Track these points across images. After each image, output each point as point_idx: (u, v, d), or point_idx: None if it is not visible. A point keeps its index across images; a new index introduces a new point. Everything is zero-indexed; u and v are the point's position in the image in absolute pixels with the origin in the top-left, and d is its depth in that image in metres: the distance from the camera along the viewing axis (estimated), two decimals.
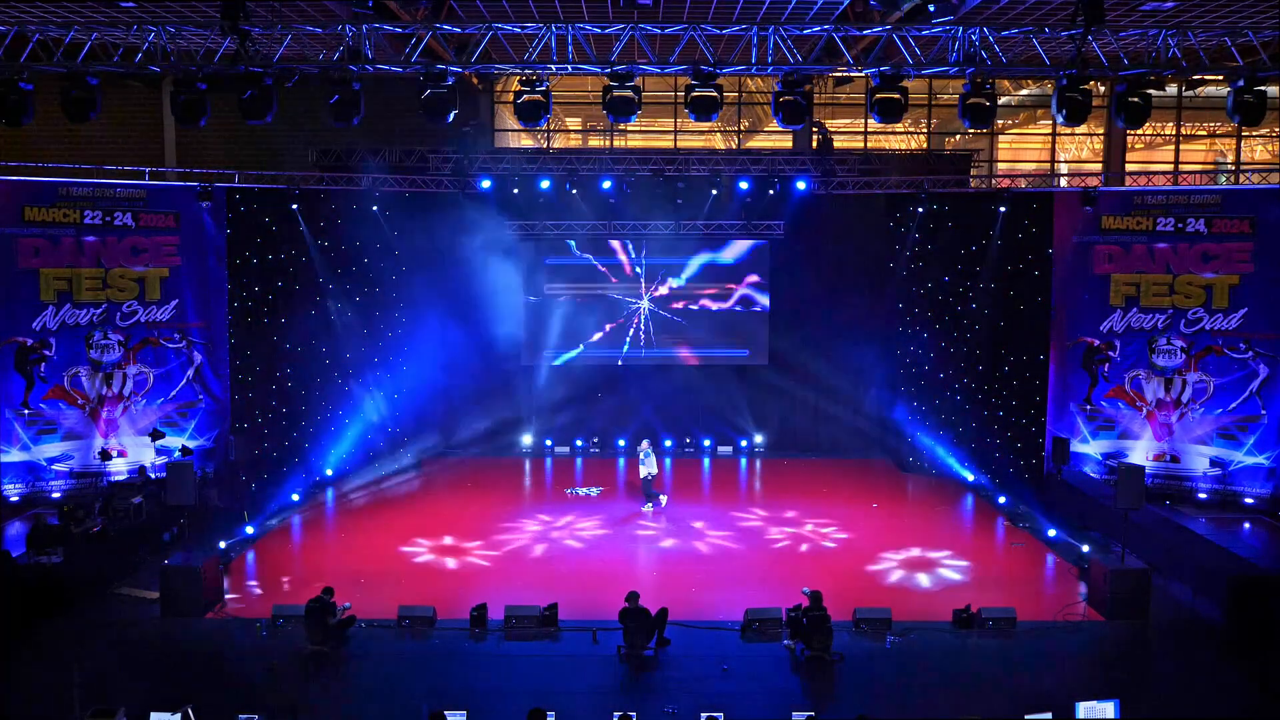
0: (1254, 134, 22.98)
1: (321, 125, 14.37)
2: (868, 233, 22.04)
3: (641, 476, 18.69)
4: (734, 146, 24.11)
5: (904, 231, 21.38)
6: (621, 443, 23.19)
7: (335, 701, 11.49)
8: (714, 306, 22.87)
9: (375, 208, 20.70)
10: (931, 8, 13.81)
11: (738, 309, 22.90)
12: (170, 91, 14.01)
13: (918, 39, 13.09)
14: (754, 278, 22.78)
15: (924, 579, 15.44)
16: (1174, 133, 23.04)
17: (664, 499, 18.88)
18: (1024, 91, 23.91)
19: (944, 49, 12.94)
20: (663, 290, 22.90)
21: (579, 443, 23.24)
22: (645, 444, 19.29)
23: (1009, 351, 20.70)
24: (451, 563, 16.13)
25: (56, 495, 18.67)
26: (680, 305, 22.92)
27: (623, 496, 19.76)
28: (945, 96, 22.78)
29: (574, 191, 20.99)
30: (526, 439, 23.41)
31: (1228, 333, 19.15)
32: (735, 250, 22.57)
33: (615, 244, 22.63)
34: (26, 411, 18.83)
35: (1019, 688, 11.73)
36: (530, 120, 12.68)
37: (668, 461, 22.75)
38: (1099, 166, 22.97)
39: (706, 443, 23.32)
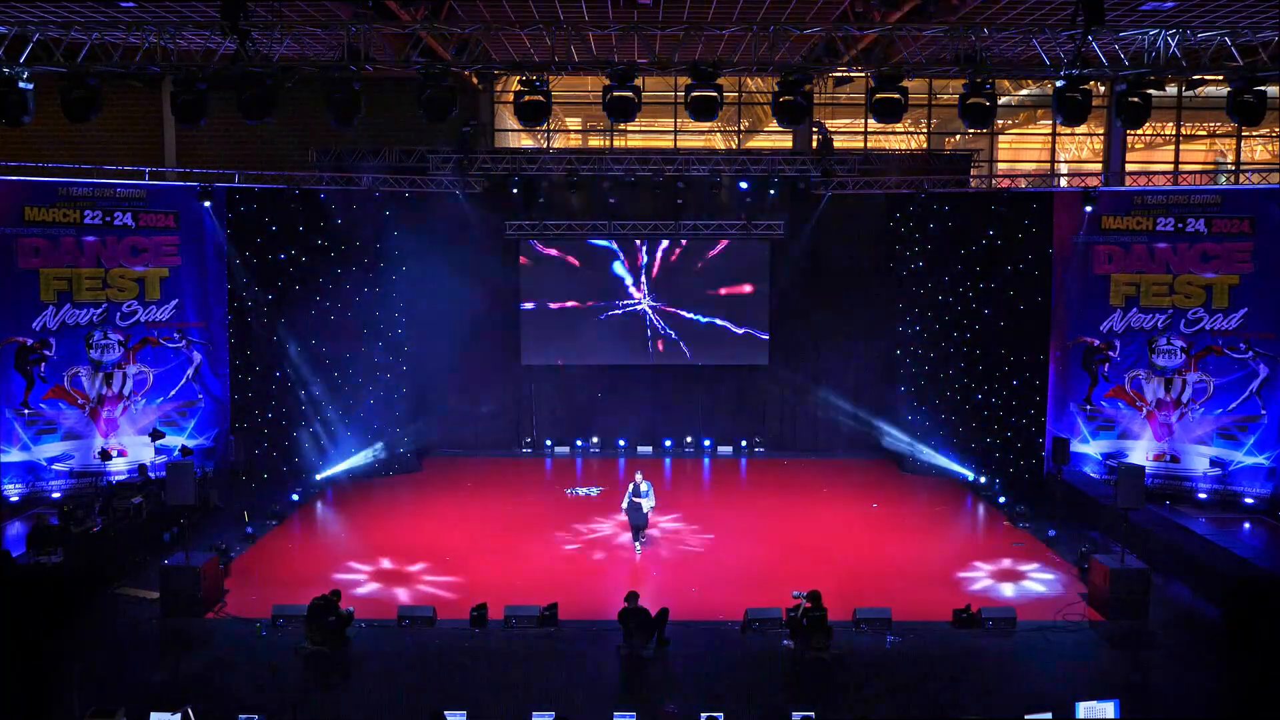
0: (1254, 134, 22.97)
1: (321, 125, 14.37)
2: (868, 233, 22.05)
3: (645, 511, 16.47)
4: (734, 146, 24.10)
5: (904, 231, 21.39)
6: (621, 443, 23.20)
7: (335, 701, 11.49)
8: (714, 306, 22.85)
9: (375, 208, 20.71)
10: (931, 8, 13.82)
11: (737, 309, 22.88)
12: (170, 91, 14.02)
13: (918, 39, 13.09)
14: (754, 278, 22.76)
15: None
16: (1174, 133, 23.03)
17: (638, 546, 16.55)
18: (1024, 91, 23.90)
19: (944, 49, 12.94)
20: (662, 290, 22.89)
21: (579, 443, 23.24)
22: (639, 476, 16.58)
23: (1009, 351, 20.71)
24: (451, 563, 16.12)
25: (56, 495, 18.68)
26: (680, 305, 22.91)
27: (623, 496, 19.73)
28: (945, 96, 22.76)
29: (574, 191, 20.99)
30: (526, 439, 23.41)
31: (1228, 333, 19.15)
32: (735, 250, 22.54)
33: (615, 244, 22.62)
34: (26, 411, 18.83)
35: (1019, 688, 11.74)
36: (530, 120, 12.67)
37: (667, 462, 22.82)
38: (1099, 166, 22.96)
39: (706, 443, 23.32)
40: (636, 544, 16.42)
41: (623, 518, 16.89)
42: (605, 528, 17.71)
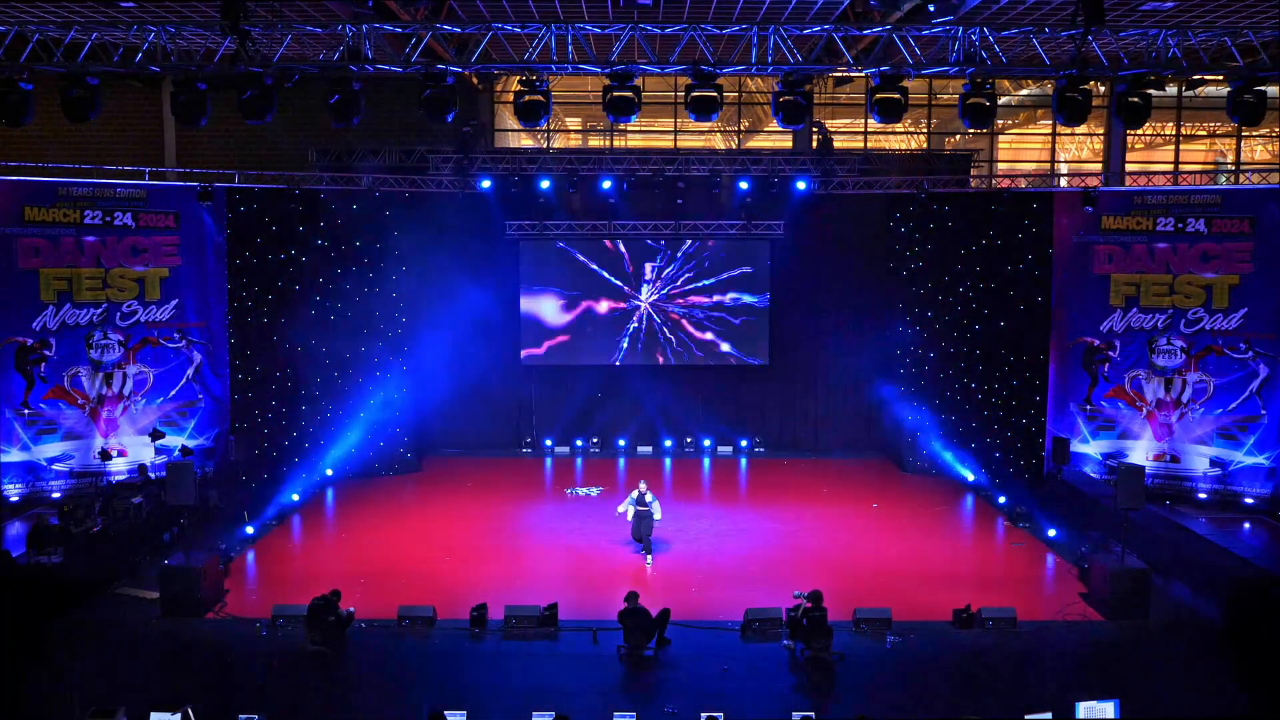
0: (1254, 134, 22.97)
1: (321, 125, 14.36)
2: (868, 233, 22.06)
3: (652, 515, 15.96)
4: (734, 146, 24.11)
5: (904, 231, 21.39)
6: (622, 443, 23.20)
7: (335, 701, 11.49)
8: (713, 307, 22.86)
9: (375, 208, 20.72)
10: (931, 8, 13.82)
11: (737, 309, 22.89)
12: (170, 91, 14.04)
13: (918, 39, 13.08)
14: (753, 277, 22.75)
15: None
16: (1174, 133, 23.04)
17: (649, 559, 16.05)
18: (1024, 91, 23.90)
19: (944, 49, 12.94)
20: (662, 290, 22.89)
21: (579, 443, 23.24)
22: (643, 486, 16.21)
23: (1009, 351, 20.70)
24: (451, 563, 16.12)
25: (56, 495, 18.67)
26: (680, 305, 22.92)
27: (623, 496, 19.74)
28: (945, 96, 22.77)
29: (574, 192, 21.00)
30: (526, 439, 23.41)
31: (1228, 333, 19.15)
32: (735, 250, 22.55)
33: (615, 244, 22.62)
34: (26, 411, 18.83)
35: (1019, 688, 11.75)
36: (530, 120, 12.67)
37: (667, 462, 22.82)
38: (1099, 166, 22.97)
39: (706, 443, 23.31)
40: (647, 557, 15.98)
41: (626, 521, 16.45)
42: (606, 528, 17.68)
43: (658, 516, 16.03)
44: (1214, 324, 19.22)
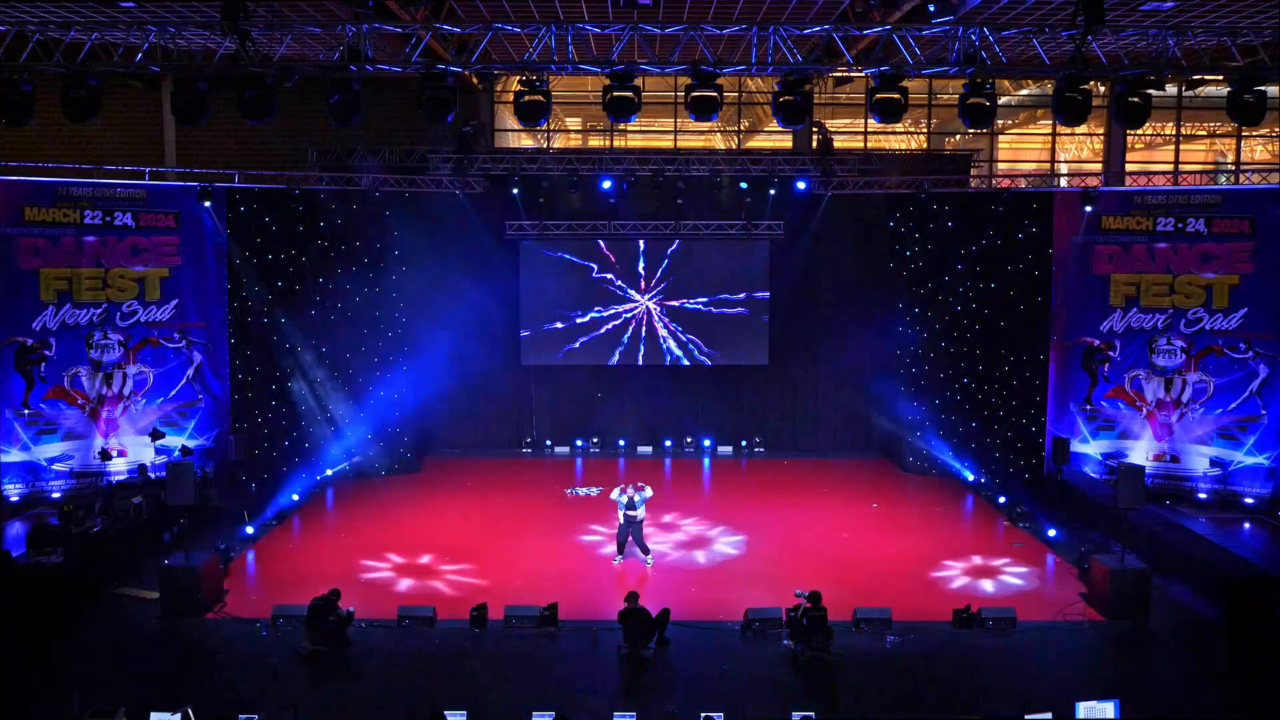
0: (1254, 134, 22.97)
1: (321, 125, 14.38)
2: (868, 233, 22.07)
3: (638, 519, 15.84)
4: (734, 146, 24.11)
5: (904, 231, 21.38)
6: (622, 443, 23.20)
7: (335, 701, 11.49)
8: (713, 307, 22.85)
9: (375, 208, 20.71)
10: (931, 8, 13.84)
11: (737, 309, 22.88)
12: (170, 91, 14.04)
13: (918, 39, 13.09)
14: (754, 278, 22.74)
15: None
16: (1174, 133, 23.03)
17: (649, 559, 15.99)
18: (1024, 91, 23.90)
19: (944, 49, 12.95)
20: (662, 290, 22.88)
21: (579, 443, 23.24)
22: (632, 492, 15.87)
23: (1009, 351, 20.71)
24: (451, 562, 16.12)
25: (56, 495, 18.66)
26: (680, 305, 22.91)
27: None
28: (945, 96, 22.77)
29: (574, 192, 21.00)
30: (527, 439, 23.41)
31: (1228, 333, 19.15)
32: (735, 250, 22.55)
33: (615, 244, 22.61)
34: (26, 411, 18.82)
35: (1019, 688, 11.74)
36: (530, 120, 12.68)
37: (667, 462, 22.81)
38: (1099, 166, 22.97)
39: (706, 443, 23.32)
40: (647, 558, 15.91)
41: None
42: (606, 528, 17.68)
43: (640, 516, 15.77)
44: (1214, 324, 19.23)
